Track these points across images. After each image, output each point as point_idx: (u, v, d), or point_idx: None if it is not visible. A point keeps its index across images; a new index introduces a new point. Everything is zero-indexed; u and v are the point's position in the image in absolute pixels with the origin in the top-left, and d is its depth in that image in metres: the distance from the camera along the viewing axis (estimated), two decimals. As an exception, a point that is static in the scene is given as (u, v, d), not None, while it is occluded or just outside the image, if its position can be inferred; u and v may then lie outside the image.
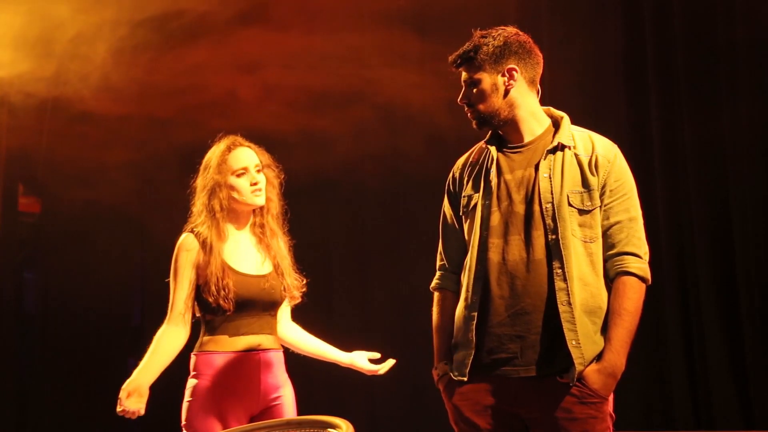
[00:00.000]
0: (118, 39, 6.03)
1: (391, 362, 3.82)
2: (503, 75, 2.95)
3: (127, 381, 3.47)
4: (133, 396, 3.43)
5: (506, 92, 2.96)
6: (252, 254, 3.68)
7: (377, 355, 3.83)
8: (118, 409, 3.44)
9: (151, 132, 6.35)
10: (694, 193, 5.29)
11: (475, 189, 3.00)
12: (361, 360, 3.82)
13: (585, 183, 2.89)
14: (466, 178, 3.05)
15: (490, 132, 3.05)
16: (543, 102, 3.05)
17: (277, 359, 3.65)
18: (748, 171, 5.18)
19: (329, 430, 2.67)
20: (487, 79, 2.95)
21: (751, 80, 5.21)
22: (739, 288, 5.13)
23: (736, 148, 5.22)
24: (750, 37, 5.20)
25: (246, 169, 3.66)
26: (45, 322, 6.71)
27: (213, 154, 3.72)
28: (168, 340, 3.56)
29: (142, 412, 3.43)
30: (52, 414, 6.59)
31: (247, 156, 3.69)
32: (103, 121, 6.41)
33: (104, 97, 6.20)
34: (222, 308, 3.54)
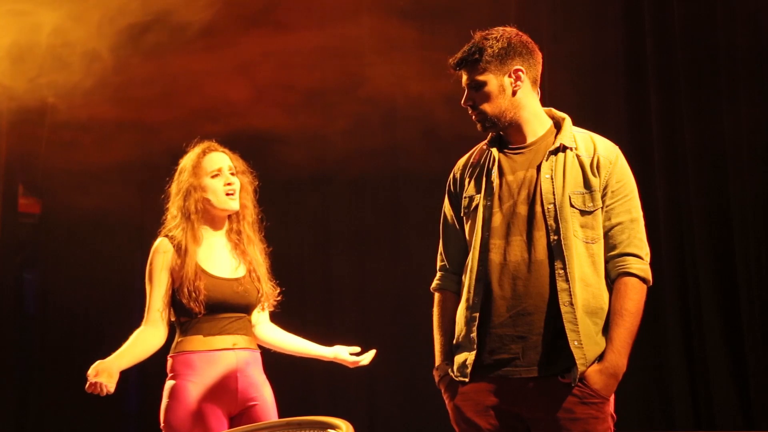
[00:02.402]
0: (113, 44, 6.04)
1: (372, 353, 3.86)
2: (510, 76, 2.95)
3: (98, 362, 3.46)
4: (102, 375, 3.41)
5: (513, 93, 2.95)
6: (226, 258, 3.71)
7: (357, 349, 3.87)
8: (87, 385, 3.41)
9: (150, 134, 6.36)
10: (694, 193, 5.29)
11: (477, 190, 3.00)
12: (344, 353, 3.86)
13: (587, 184, 2.90)
14: (467, 179, 3.05)
15: (490, 133, 3.05)
16: (543, 102, 3.05)
17: (254, 359, 3.67)
18: (748, 171, 5.17)
19: (329, 430, 2.67)
20: (493, 80, 2.95)
21: (751, 81, 5.20)
22: (739, 288, 5.12)
23: (736, 148, 5.22)
24: (750, 38, 5.20)
25: (220, 170, 3.71)
26: (44, 322, 6.71)
27: (188, 159, 3.78)
28: (145, 337, 3.59)
29: (112, 390, 3.41)
30: (52, 414, 6.59)
31: (221, 159, 3.75)
32: (102, 124, 6.41)
33: (101, 101, 6.20)
34: (193, 311, 3.56)
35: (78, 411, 6.52)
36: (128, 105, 6.37)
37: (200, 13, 5.97)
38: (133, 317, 6.55)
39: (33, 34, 5.87)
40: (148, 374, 6.45)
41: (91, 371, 3.43)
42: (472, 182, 3.03)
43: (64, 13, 5.79)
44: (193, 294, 3.56)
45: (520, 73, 2.95)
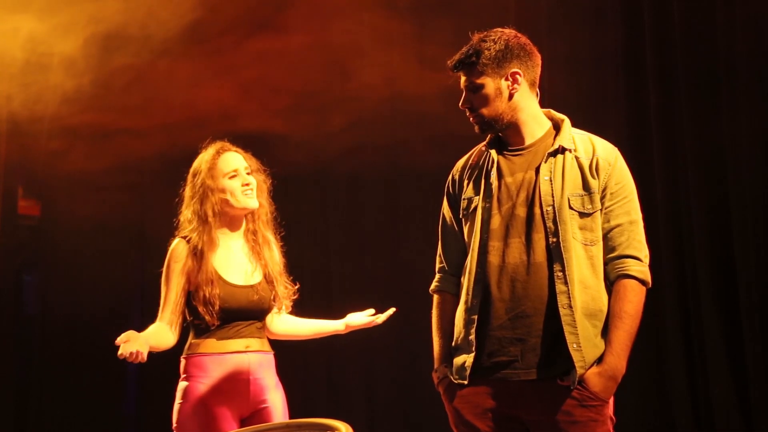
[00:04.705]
0: (106, 50, 6.04)
1: (391, 311, 3.87)
2: (507, 79, 2.94)
3: (128, 331, 3.32)
4: (136, 343, 3.27)
5: (510, 96, 2.95)
6: (243, 263, 3.69)
7: (372, 311, 3.88)
8: (119, 352, 3.25)
9: (151, 135, 6.35)
10: (694, 194, 5.28)
11: (476, 191, 3.00)
12: (357, 319, 3.87)
13: (586, 186, 2.89)
14: (465, 181, 3.05)
15: (489, 135, 3.04)
16: (542, 104, 3.04)
17: (267, 361, 3.66)
18: (748, 172, 5.17)
19: (328, 432, 2.67)
20: (490, 83, 2.94)
21: (750, 81, 5.20)
22: (739, 289, 5.12)
23: (736, 148, 5.21)
24: (749, 38, 5.19)
25: (237, 171, 3.68)
26: (44, 324, 6.71)
27: (202, 160, 3.73)
28: (164, 331, 3.55)
29: (145, 358, 3.28)
30: (52, 415, 6.59)
31: (237, 159, 3.72)
32: (98, 128, 6.41)
33: (94, 106, 6.21)
34: (207, 322, 3.55)
35: (77, 413, 6.53)
36: (123, 110, 6.37)
37: (190, 16, 5.96)
38: (132, 317, 6.60)
39: (24, 44, 5.90)
40: (147, 376, 6.46)
41: (122, 337, 3.27)
42: (471, 184, 3.02)
43: (52, 22, 5.81)
44: (209, 306, 3.54)
45: (517, 76, 2.94)
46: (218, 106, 6.28)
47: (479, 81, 2.94)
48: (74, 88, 6.10)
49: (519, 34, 3.00)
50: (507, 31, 3.00)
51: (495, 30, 2.99)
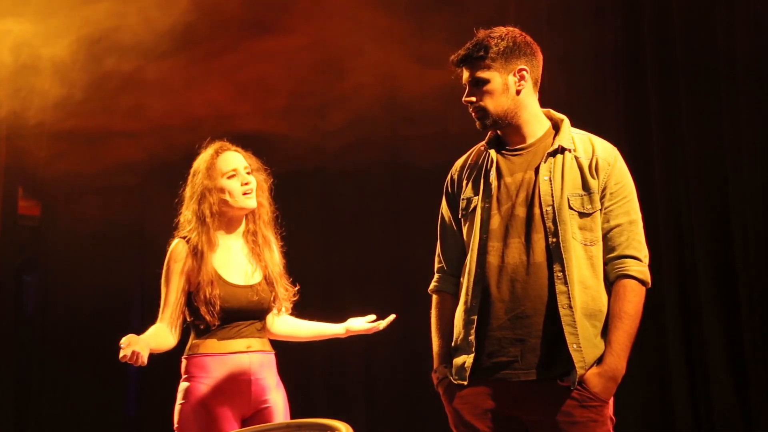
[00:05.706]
0: (103, 54, 6.05)
1: (391, 317, 3.86)
2: (514, 75, 2.94)
3: (129, 335, 3.34)
4: (137, 345, 3.29)
5: (517, 92, 2.94)
6: (242, 263, 3.67)
7: (373, 317, 3.87)
8: (121, 355, 3.28)
9: (153, 136, 6.35)
10: (694, 194, 5.28)
11: (475, 191, 2.99)
12: (357, 324, 3.86)
13: (585, 186, 2.89)
14: (464, 181, 3.04)
15: (489, 134, 3.04)
16: (541, 103, 3.03)
17: (268, 361, 3.66)
18: (748, 172, 5.16)
19: (328, 432, 2.67)
20: (497, 78, 2.93)
21: (750, 81, 5.19)
22: (739, 289, 5.11)
23: (736, 148, 5.20)
24: (749, 37, 5.19)
25: (236, 170, 3.66)
26: (44, 324, 6.71)
27: (201, 160, 3.71)
28: (164, 332, 3.54)
29: (145, 362, 3.31)
30: (52, 415, 6.59)
31: (236, 158, 3.70)
32: (99, 127, 6.41)
33: (91, 109, 6.21)
34: (207, 322, 3.54)
35: (77, 413, 6.52)
36: (120, 112, 6.37)
37: (185, 17, 5.95)
38: (132, 318, 6.60)
39: (18, 47, 5.90)
40: (147, 378, 6.45)
41: (123, 341, 3.29)
42: (470, 184, 3.02)
43: (46, 26, 5.80)
44: (210, 306, 3.53)
45: (524, 72, 2.94)
46: (215, 107, 6.28)
47: (486, 76, 2.93)
48: (71, 91, 6.10)
49: (524, 33, 3.00)
50: (512, 28, 3.00)
51: (500, 27, 2.99)
